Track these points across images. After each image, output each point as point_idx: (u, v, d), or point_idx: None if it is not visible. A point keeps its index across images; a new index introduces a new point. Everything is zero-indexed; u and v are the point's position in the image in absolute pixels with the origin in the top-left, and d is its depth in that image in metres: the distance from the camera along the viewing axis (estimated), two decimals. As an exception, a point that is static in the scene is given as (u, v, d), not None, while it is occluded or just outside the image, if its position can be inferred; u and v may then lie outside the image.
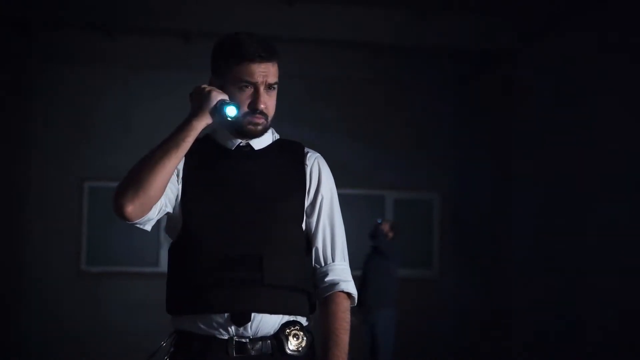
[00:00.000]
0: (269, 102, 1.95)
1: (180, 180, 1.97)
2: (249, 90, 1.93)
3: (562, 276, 6.12)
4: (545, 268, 6.44)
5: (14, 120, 7.27)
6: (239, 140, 2.00)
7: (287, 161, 2.01)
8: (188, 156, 1.95)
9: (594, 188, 5.78)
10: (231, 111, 1.89)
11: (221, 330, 1.88)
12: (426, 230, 8.21)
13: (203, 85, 1.92)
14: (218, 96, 1.89)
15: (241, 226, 1.91)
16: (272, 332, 1.90)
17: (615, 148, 5.55)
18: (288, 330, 1.91)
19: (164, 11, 6.49)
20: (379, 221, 6.31)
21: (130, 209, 1.81)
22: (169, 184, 1.90)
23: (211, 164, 1.98)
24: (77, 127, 7.62)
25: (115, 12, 6.43)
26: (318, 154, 2.06)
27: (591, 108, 5.88)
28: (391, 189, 8.05)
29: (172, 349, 1.94)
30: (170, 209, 1.95)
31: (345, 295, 1.95)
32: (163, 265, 7.67)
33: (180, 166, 1.96)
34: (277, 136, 2.08)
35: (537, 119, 6.80)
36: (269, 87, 1.94)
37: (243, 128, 1.97)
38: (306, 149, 2.06)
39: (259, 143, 2.01)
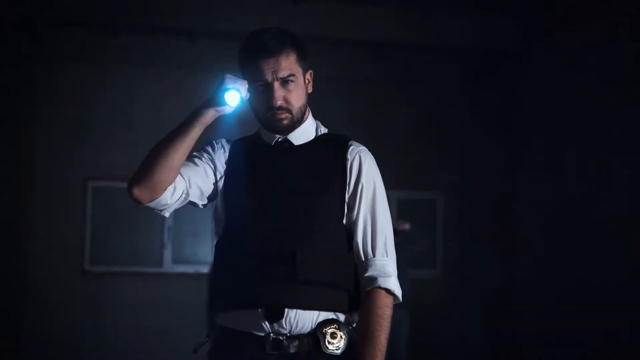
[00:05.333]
0: (288, 96, 1.94)
1: (219, 175, 1.99)
2: (264, 89, 1.93)
3: (572, 275, 6.08)
4: (553, 267, 6.40)
5: (16, 120, 7.25)
6: (278, 136, 1.99)
7: (327, 155, 1.98)
8: (232, 152, 2.00)
9: (606, 188, 5.74)
10: (231, 98, 1.86)
11: (257, 326, 1.87)
12: (430, 230, 8.18)
13: (229, 75, 1.90)
14: (230, 83, 1.87)
15: (276, 222, 1.90)
16: (309, 330, 1.87)
17: (626, 146, 5.51)
18: (325, 329, 1.87)
19: (167, 9, 6.46)
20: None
21: (136, 191, 1.88)
22: (199, 178, 1.96)
23: (252, 160, 1.99)
24: (80, 126, 7.61)
25: (119, 10, 6.41)
26: (363, 147, 2.04)
27: (599, 107, 5.85)
28: (394, 188, 8.02)
29: (212, 345, 1.95)
30: (197, 200, 1.98)
31: (384, 292, 1.90)
32: (167, 266, 7.67)
33: (222, 162, 2.00)
34: (324, 130, 2.06)
35: (543, 118, 6.77)
36: (284, 81, 1.92)
37: (269, 125, 1.98)
38: (350, 142, 2.03)
39: (299, 138, 2.00)
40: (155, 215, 8.05)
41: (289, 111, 1.94)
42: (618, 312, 5.44)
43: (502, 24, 6.79)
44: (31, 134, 7.52)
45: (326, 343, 1.86)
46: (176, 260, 7.67)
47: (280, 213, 1.91)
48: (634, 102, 5.43)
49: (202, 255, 7.70)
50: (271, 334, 1.86)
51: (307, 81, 2.02)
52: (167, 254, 7.67)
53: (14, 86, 7.16)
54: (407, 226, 6.26)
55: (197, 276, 7.49)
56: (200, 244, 7.76)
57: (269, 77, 1.91)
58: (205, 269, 7.45)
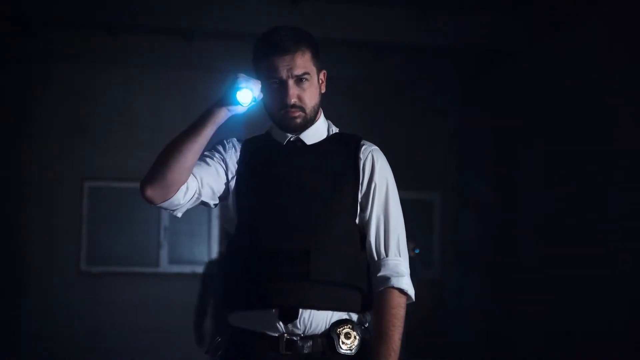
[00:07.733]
0: (302, 94, 1.93)
1: (230, 174, 1.98)
2: (279, 86, 1.92)
3: (571, 275, 6.07)
4: (552, 268, 6.39)
5: (14, 120, 7.23)
6: (290, 135, 1.98)
7: (340, 155, 1.98)
8: (244, 152, 1.99)
9: (601, 186, 5.74)
10: (244, 97, 1.85)
11: (271, 326, 1.86)
12: (427, 230, 8.17)
13: (241, 73, 1.89)
14: (242, 82, 1.85)
15: (289, 221, 1.89)
16: (323, 330, 1.87)
17: (624, 146, 5.51)
18: (339, 329, 1.87)
19: (165, 9, 6.45)
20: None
21: (149, 191, 1.86)
22: (211, 177, 1.94)
23: (264, 160, 1.98)
24: (77, 126, 7.59)
25: (119, 10, 6.40)
26: (375, 147, 2.03)
27: (599, 107, 5.84)
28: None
29: (225, 345, 1.95)
30: (209, 200, 1.97)
31: (397, 292, 1.89)
32: (163, 266, 7.65)
33: (233, 161, 1.98)
34: (335, 130, 2.06)
35: (541, 118, 6.76)
36: (298, 78, 1.91)
37: (282, 123, 1.97)
38: (362, 142, 2.02)
39: (311, 137, 2.00)
40: (151, 215, 8.02)
41: (303, 110, 1.93)
42: (615, 310, 5.43)
43: (502, 24, 6.78)
44: (30, 134, 7.50)
45: (340, 343, 1.86)
46: (173, 261, 7.66)
47: (293, 212, 1.90)
48: (633, 102, 5.43)
49: (198, 255, 7.69)
50: (285, 335, 1.85)
51: (320, 81, 2.01)
52: (164, 254, 7.66)
53: (14, 86, 7.15)
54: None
55: (193, 276, 7.47)
56: (196, 244, 7.75)
57: (283, 74, 1.90)
58: (201, 269, 7.44)
